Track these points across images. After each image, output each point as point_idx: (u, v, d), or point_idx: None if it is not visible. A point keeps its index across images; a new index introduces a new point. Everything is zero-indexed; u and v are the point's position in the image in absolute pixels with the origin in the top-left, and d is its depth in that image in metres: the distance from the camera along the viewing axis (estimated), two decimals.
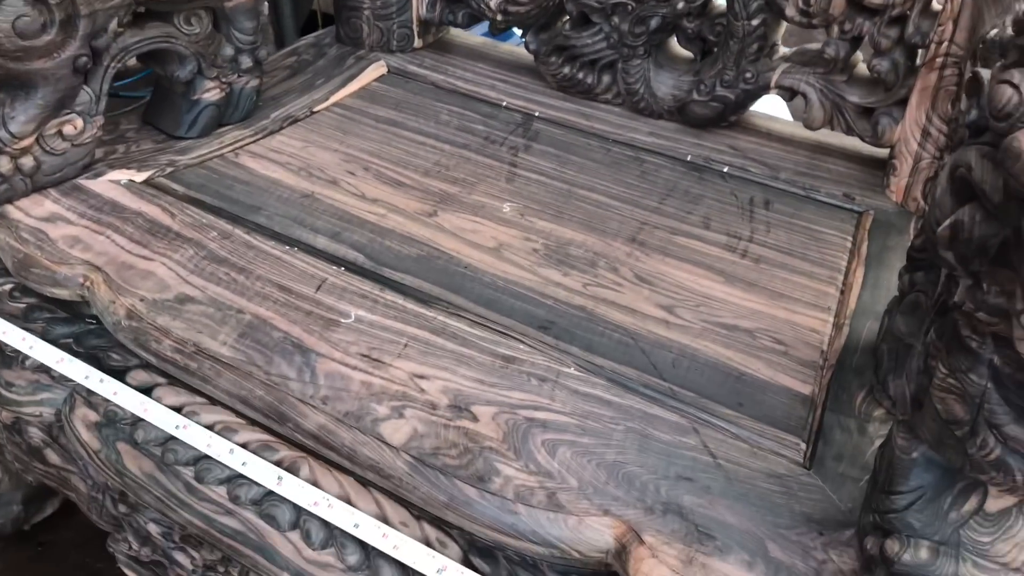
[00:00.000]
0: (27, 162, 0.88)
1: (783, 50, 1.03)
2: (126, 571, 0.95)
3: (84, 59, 0.88)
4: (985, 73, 0.45)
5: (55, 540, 1.22)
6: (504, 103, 1.13)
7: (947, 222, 0.41)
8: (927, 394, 0.49)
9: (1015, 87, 0.37)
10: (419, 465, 0.66)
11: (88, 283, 0.81)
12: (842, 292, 0.85)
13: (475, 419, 0.68)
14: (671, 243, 0.90)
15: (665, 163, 1.03)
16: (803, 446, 0.68)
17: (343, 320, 0.77)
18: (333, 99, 1.13)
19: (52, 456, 0.89)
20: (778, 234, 0.92)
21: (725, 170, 1.01)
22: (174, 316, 0.77)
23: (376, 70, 1.19)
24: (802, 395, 0.73)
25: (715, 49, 1.04)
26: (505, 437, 0.66)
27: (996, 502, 0.51)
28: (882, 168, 0.99)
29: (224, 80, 1.02)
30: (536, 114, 1.11)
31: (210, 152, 1.00)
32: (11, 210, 0.88)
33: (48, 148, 0.89)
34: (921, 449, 0.52)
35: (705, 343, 0.77)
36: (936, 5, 0.89)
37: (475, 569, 0.66)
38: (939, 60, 0.87)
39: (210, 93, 1.01)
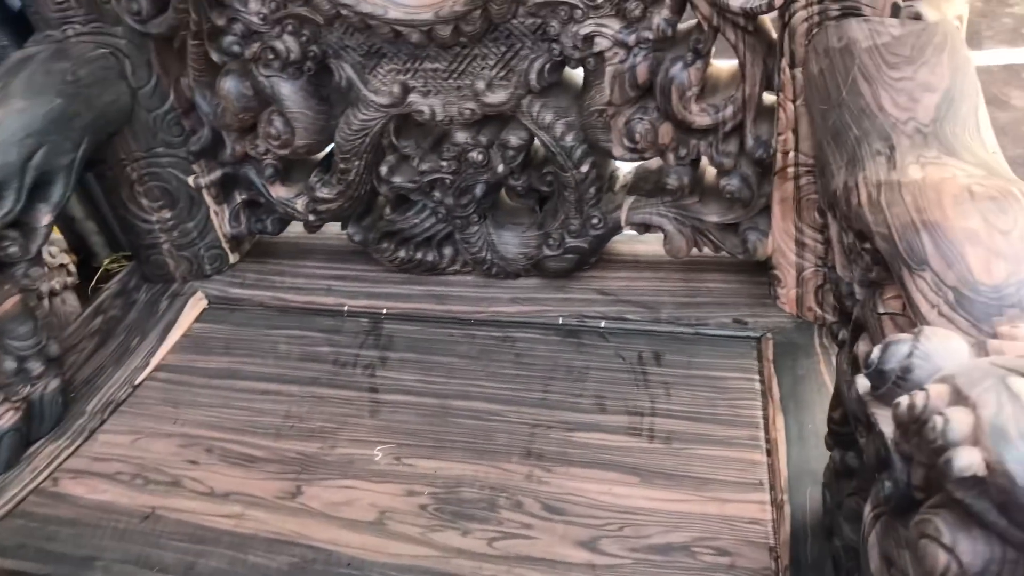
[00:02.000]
0: None
1: (623, 173, 0.94)
2: None
3: None
4: (881, 419, 0.35)
5: None
6: (345, 308, 1.00)
7: None
8: None
9: (948, 550, 0.27)
10: None
11: None
12: (768, 453, 0.75)
13: None
14: (570, 444, 0.79)
15: (538, 336, 0.92)
16: None
17: None
18: (155, 361, 0.98)
19: None
20: (680, 395, 0.82)
21: (603, 325, 0.91)
22: None
23: (195, 307, 1.05)
24: None
25: (552, 195, 0.94)
26: None
27: None
28: (763, 272, 0.90)
29: (16, 399, 0.87)
30: (384, 312, 0.99)
31: (22, 489, 0.84)
32: None
33: None
34: None
35: None
36: (768, 97, 0.80)
37: None
38: (791, 170, 0.78)
39: (3, 419, 0.86)
